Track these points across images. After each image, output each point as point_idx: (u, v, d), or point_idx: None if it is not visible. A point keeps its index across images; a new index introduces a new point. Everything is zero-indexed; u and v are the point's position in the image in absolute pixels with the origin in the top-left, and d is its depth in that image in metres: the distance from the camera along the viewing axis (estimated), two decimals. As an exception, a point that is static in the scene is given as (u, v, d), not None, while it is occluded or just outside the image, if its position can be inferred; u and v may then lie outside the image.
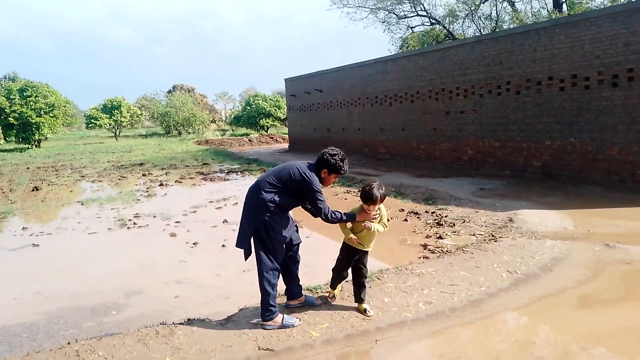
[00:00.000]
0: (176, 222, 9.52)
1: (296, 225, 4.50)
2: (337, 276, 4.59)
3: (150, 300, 5.52)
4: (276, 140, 32.85)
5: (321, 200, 4.19)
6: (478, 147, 13.83)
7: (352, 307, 4.53)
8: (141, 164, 21.78)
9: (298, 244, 4.47)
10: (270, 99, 43.92)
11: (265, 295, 4.11)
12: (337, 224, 4.33)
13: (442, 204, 9.81)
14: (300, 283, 4.59)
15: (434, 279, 5.21)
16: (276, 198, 4.05)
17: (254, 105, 43.65)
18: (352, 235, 4.33)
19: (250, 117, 44.15)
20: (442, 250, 6.72)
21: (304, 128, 24.80)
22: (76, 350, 3.75)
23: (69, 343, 3.97)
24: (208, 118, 46.56)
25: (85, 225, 9.54)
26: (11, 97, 32.28)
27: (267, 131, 43.06)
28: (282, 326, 4.15)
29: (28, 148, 34.27)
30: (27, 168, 21.98)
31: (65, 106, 36.66)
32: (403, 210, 9.64)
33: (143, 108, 54.63)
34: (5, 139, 35.68)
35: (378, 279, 5.19)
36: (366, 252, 4.53)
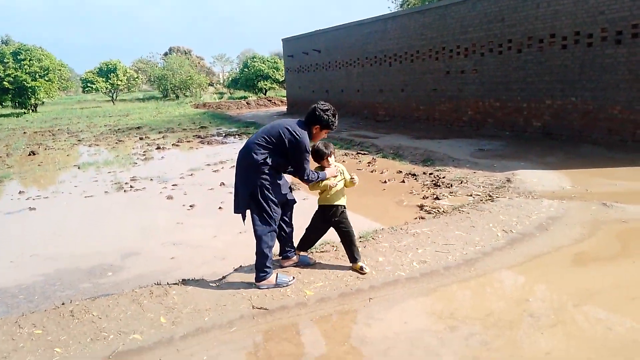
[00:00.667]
0: (173, 185, 9.48)
1: (290, 187, 4.43)
2: (306, 236, 4.62)
3: (146, 262, 5.54)
4: (274, 102, 32.52)
5: (307, 161, 4.13)
6: (478, 107, 13.66)
7: (347, 266, 4.52)
8: (138, 127, 21.63)
9: (292, 205, 4.42)
10: (268, 61, 43.27)
11: (261, 258, 4.08)
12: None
13: (440, 165, 9.75)
14: (294, 244, 4.57)
15: (429, 238, 5.19)
16: (268, 159, 3.96)
17: (252, 68, 43.03)
18: (327, 182, 4.29)
19: (248, 79, 43.59)
20: (438, 210, 6.70)
21: (302, 90, 24.48)
22: (70, 310, 3.76)
23: (63, 303, 3.97)
24: (205, 81, 46.01)
25: (82, 189, 9.52)
26: (5, 60, 31.78)
27: (265, 94, 42.58)
28: (276, 285, 4.15)
29: (24, 113, 34.01)
30: (24, 133, 21.85)
31: (60, 70, 36.21)
32: (401, 172, 9.58)
33: (140, 71, 53.90)
34: (1, 104, 35.29)
35: (373, 238, 5.18)
36: (339, 209, 4.41)
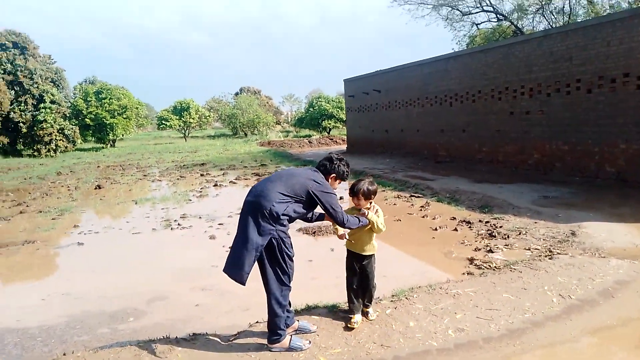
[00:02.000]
0: (219, 224, 9.41)
1: None
2: (349, 292, 4.30)
3: (170, 308, 5.34)
4: (335, 141, 32.56)
5: (338, 211, 3.81)
6: (545, 150, 12.77)
7: (374, 328, 4.07)
8: (202, 164, 22.21)
9: None
10: (332, 100, 43.72)
11: (274, 317, 3.74)
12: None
13: (499, 212, 9.04)
14: (292, 308, 4.17)
15: (471, 301, 4.62)
16: (289, 210, 3.67)
17: (317, 107, 43.65)
18: (341, 231, 4.17)
19: (313, 118, 44.19)
20: (489, 266, 6.07)
21: (363, 129, 24.30)
22: (69, 364, 3.57)
23: (65, 354, 3.81)
24: (272, 120, 47.15)
25: (132, 225, 9.66)
26: (88, 99, 34.23)
27: (329, 132, 42.90)
28: (289, 349, 3.78)
29: (103, 147, 36.24)
30: (98, 167, 23.07)
31: (137, 108, 38.45)
32: (454, 218, 8.96)
33: (212, 110, 56.30)
34: (84, 139, 37.87)
35: (407, 298, 4.69)
36: (368, 258, 4.25)
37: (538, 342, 3.88)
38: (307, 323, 4.17)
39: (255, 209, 3.64)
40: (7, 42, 30.81)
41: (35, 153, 29.60)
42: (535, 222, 8.02)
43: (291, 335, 3.89)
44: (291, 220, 3.77)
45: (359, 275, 4.24)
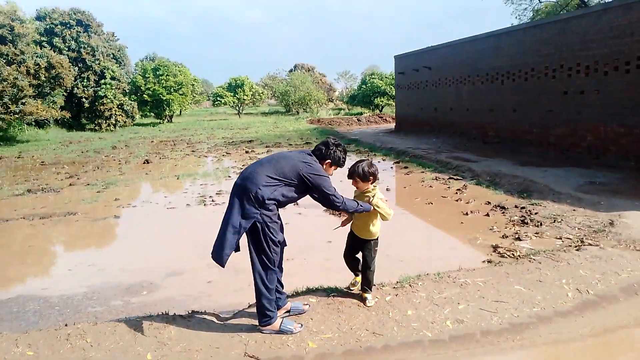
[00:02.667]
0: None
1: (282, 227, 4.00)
2: (346, 261, 4.42)
3: (184, 283, 5.49)
4: (385, 119, 32.01)
5: (335, 195, 3.72)
6: (599, 133, 11.97)
7: (370, 315, 4.00)
8: (250, 141, 22.52)
9: (283, 248, 4.00)
10: (386, 77, 42.90)
11: (262, 299, 3.73)
12: None
13: (538, 198, 8.59)
14: (288, 290, 4.15)
15: (478, 291, 4.43)
16: (276, 194, 3.61)
17: (370, 84, 43.05)
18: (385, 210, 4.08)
19: (365, 95, 43.66)
20: (512, 254, 5.80)
21: (411, 107, 23.73)
22: (68, 333, 3.74)
23: (66, 324, 4.00)
24: (323, 97, 46.94)
25: (169, 200, 9.97)
26: (146, 75, 35.39)
27: (381, 110, 42.27)
28: (280, 331, 3.77)
29: (160, 123, 37.48)
30: (152, 142, 23.90)
31: (193, 84, 39.36)
32: (489, 203, 8.61)
33: (266, 87, 56.79)
34: (142, 115, 39.29)
35: (410, 285, 4.55)
36: (368, 243, 4.19)
37: (540, 338, 3.67)
38: (299, 303, 4.16)
39: (241, 192, 3.62)
40: (71, 21, 32.21)
41: (96, 127, 31.06)
42: (574, 210, 7.57)
43: (282, 318, 3.88)
44: (280, 204, 3.72)
45: (363, 258, 4.26)
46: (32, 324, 4.49)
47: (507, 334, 3.73)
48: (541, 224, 7.04)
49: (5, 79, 19.76)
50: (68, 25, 32.07)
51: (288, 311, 4.05)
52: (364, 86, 44.49)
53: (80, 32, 32.43)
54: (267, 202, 3.56)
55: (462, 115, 18.89)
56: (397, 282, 4.60)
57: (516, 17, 32.97)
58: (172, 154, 18.48)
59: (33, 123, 26.77)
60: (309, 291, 4.56)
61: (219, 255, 3.61)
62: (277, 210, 3.70)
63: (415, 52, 22.85)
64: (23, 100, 21.20)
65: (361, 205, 3.93)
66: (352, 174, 4.04)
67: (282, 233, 3.85)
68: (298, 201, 4.01)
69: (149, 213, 8.99)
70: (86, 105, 31.18)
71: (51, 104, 24.52)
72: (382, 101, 42.42)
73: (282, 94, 47.36)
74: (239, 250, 3.75)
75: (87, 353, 3.53)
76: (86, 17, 33.51)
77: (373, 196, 4.03)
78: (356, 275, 4.43)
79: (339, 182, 4.70)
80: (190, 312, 4.26)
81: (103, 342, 3.66)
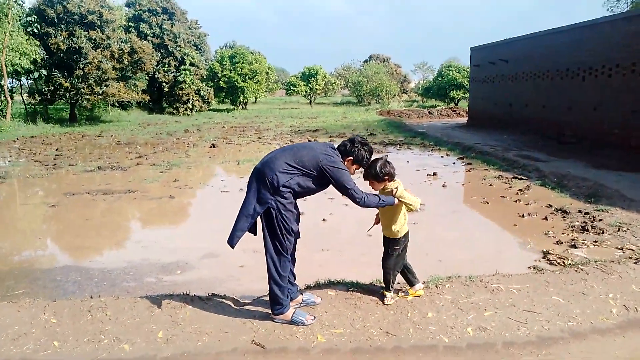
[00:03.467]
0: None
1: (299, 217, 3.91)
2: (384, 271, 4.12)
3: (217, 266, 5.58)
4: (458, 113, 30.88)
5: (354, 189, 3.58)
6: (689, 136, 10.81)
7: (387, 314, 3.85)
8: (315, 130, 22.61)
9: (296, 239, 3.91)
10: (463, 70, 41.41)
11: (274, 287, 3.69)
12: None
13: (606, 204, 7.90)
14: (301, 283, 4.07)
15: (510, 299, 4.13)
16: (292, 182, 3.54)
17: (446, 76, 41.79)
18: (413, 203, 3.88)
19: (441, 88, 42.47)
20: (563, 262, 5.37)
21: (485, 102, 22.72)
22: (90, 306, 3.91)
23: (91, 297, 4.17)
24: (395, 88, 46.13)
25: (225, 184, 10.21)
26: (223, 62, 36.54)
27: (457, 104, 40.91)
28: (291, 322, 3.72)
29: (234, 109, 38.63)
30: (223, 127, 24.66)
31: (267, 73, 40.12)
32: (550, 206, 8.04)
33: (340, 77, 56.73)
34: (219, 101, 40.66)
35: (436, 287, 4.32)
36: (389, 240, 3.98)
37: (568, 356, 3.35)
38: (312, 295, 4.08)
39: (259, 177, 3.58)
40: (157, 8, 33.87)
41: (175, 111, 32.57)
42: (645, 219, 6.89)
43: (295, 309, 3.82)
44: (297, 194, 3.62)
45: (384, 254, 4.09)
46: (69, 293, 4.75)
47: (532, 347, 3.44)
48: (603, 232, 6.46)
49: (90, 62, 21.15)
50: (154, 12, 33.74)
51: (300, 304, 3.98)
52: (439, 78, 43.28)
53: (164, 19, 34.03)
54: (281, 189, 3.50)
55: (537, 112, 17.81)
56: (424, 282, 4.38)
57: (608, 9, 30.47)
58: (239, 139, 18.93)
59: (117, 105, 28.52)
60: (330, 284, 4.46)
61: (231, 235, 3.64)
62: (294, 199, 3.62)
63: (493, 44, 21.80)
64: (106, 83, 22.60)
65: (383, 200, 3.73)
66: (366, 174, 3.85)
67: (298, 224, 3.78)
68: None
69: (202, 195, 9.27)
70: (166, 89, 32.74)
71: (133, 87, 25.95)
72: (458, 94, 41.06)
73: (355, 84, 47.10)
74: (255, 234, 3.74)
75: (104, 325, 3.66)
76: (171, 5, 35.10)
77: (396, 188, 3.82)
78: (409, 285, 4.20)
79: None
80: (210, 294, 4.30)
81: (121, 317, 3.79)
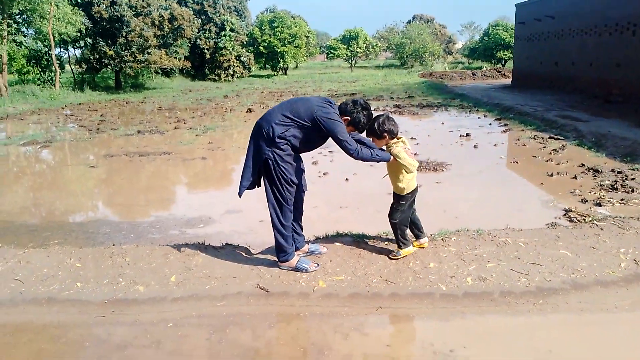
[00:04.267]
0: (329, 151, 9.60)
1: (304, 170, 4.02)
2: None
3: (238, 220, 5.81)
4: (504, 74, 29.79)
5: (347, 140, 3.63)
6: None
7: (389, 263, 3.96)
8: (353, 94, 22.43)
9: (304, 193, 4.03)
10: (511, 29, 39.65)
11: (278, 235, 3.85)
12: None
13: (642, 162, 7.61)
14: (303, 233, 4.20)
15: (516, 252, 4.13)
16: (287, 134, 3.62)
17: (492, 36, 40.24)
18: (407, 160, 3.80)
19: (487, 48, 41.05)
20: (584, 220, 5.26)
21: (530, 61, 21.81)
22: (112, 252, 4.22)
23: (113, 245, 4.49)
24: (438, 49, 44.78)
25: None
26: (263, 28, 36.46)
27: (504, 65, 39.43)
28: (295, 269, 3.90)
29: (274, 75, 38.70)
30: (262, 92, 24.84)
31: (307, 37, 39.78)
32: (583, 165, 7.81)
33: (382, 39, 55.52)
34: (260, 66, 40.82)
35: (442, 239, 4.37)
36: (395, 196, 3.99)
37: (565, 305, 3.37)
38: (317, 245, 4.23)
39: (258, 130, 3.71)
40: (196, -26, 33.97)
41: (216, 77, 33.00)
42: (680, 178, 6.61)
43: (300, 256, 3.99)
44: (295, 148, 3.70)
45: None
46: (99, 244, 5.09)
47: (529, 296, 3.47)
48: (633, 191, 6.26)
49: (133, 29, 21.64)
50: (193, -21, 33.88)
51: (306, 253, 4.14)
52: (486, 38, 41.75)
53: (203, -15, 34.13)
54: (277, 140, 3.60)
55: (584, 71, 16.99)
56: (430, 234, 4.44)
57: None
58: (276, 104, 19.03)
59: (160, 72, 29.16)
60: (338, 235, 4.60)
61: (239, 186, 3.80)
62: (291, 151, 3.70)
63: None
64: (149, 50, 23.12)
65: (378, 154, 3.73)
66: (367, 130, 3.83)
67: (301, 177, 3.89)
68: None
69: (232, 156, 9.53)
70: (207, 56, 33.13)
71: (174, 54, 26.43)
72: (506, 55, 39.54)
73: (397, 46, 46.07)
74: (260, 186, 3.89)
75: (123, 270, 3.96)
76: (210, -29, 35.08)
77: (395, 143, 3.83)
78: (414, 238, 4.23)
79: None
80: (224, 244, 4.53)
81: (138, 262, 4.08)
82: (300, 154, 3.89)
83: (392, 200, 4.02)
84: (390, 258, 4.05)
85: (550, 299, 3.45)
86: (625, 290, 3.54)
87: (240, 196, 3.84)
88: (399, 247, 4.07)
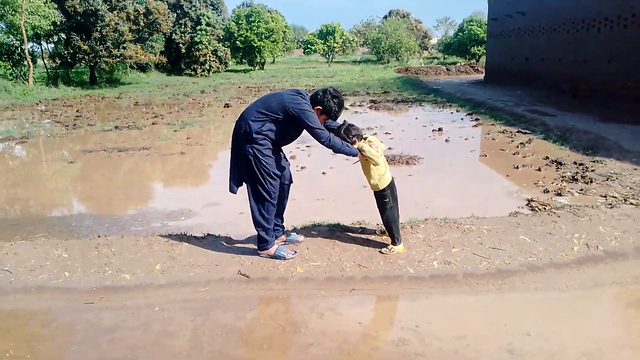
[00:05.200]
0: (307, 146, 9.84)
1: (288, 163, 4.27)
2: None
3: (218, 212, 6.00)
4: (477, 70, 30.45)
5: (319, 128, 3.86)
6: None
7: (361, 249, 4.23)
8: (330, 88, 22.66)
9: (289, 184, 4.28)
10: (485, 24, 40.41)
11: (258, 227, 4.09)
12: None
13: (601, 155, 8.05)
14: (284, 223, 4.48)
15: (479, 238, 4.46)
16: (264, 129, 3.86)
17: (467, 31, 40.93)
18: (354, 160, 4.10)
19: (462, 44, 41.75)
20: (544, 209, 5.63)
21: (502, 57, 22.40)
22: (97, 243, 4.40)
23: (99, 236, 4.67)
24: (414, 45, 45.35)
25: (234, 141, 10.59)
26: (239, 22, 36.45)
27: (478, 60, 40.18)
28: (274, 256, 4.14)
29: (251, 70, 38.69)
30: (239, 87, 24.88)
31: (284, 32, 39.83)
32: (547, 157, 8.22)
33: (359, 34, 55.89)
34: (239, 61, 40.70)
35: (411, 227, 4.67)
36: (375, 193, 4.19)
37: (521, 286, 3.69)
38: (296, 235, 4.49)
39: (237, 129, 3.96)
40: (171, -32, 33.69)
41: (192, 72, 32.84)
42: (635, 169, 7.05)
43: (278, 245, 4.23)
44: (272, 141, 3.93)
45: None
46: (82, 236, 5.23)
47: (489, 278, 3.79)
48: (592, 181, 6.67)
49: (107, 24, 21.45)
50: (168, -27, 33.57)
51: (285, 242, 4.39)
52: (460, 34, 42.43)
53: (179, -21, 33.89)
54: (255, 136, 3.83)
55: (553, 67, 17.57)
56: (401, 223, 4.72)
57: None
58: (253, 99, 19.15)
59: (135, 67, 28.90)
60: (315, 226, 4.85)
61: (229, 184, 4.11)
62: (271, 145, 3.94)
63: (510, -4, 21.30)
64: (124, 45, 22.93)
65: (347, 146, 3.92)
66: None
67: (282, 169, 4.11)
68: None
69: (210, 151, 9.70)
70: (183, 50, 32.93)
71: (150, 49, 26.25)
72: (479, 50, 40.29)
73: (374, 41, 46.49)
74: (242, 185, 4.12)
75: (109, 259, 4.15)
76: (185, -35, 34.84)
77: (363, 140, 4.02)
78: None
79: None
80: (205, 234, 4.74)
81: (124, 252, 4.27)
82: (281, 147, 4.12)
83: (371, 196, 4.22)
84: (381, 252, 4.18)
85: (508, 280, 3.77)
86: (576, 271, 3.88)
87: (233, 192, 4.11)
88: (393, 242, 4.22)
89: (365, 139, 4.09)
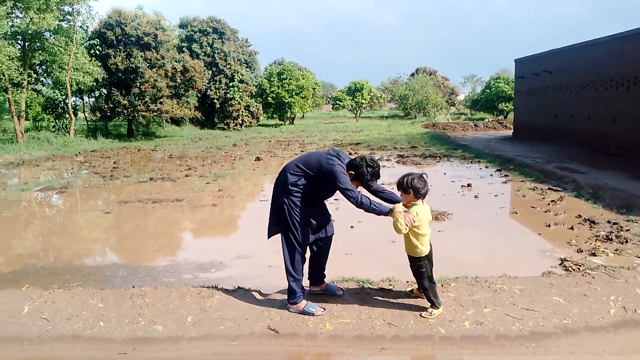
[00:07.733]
0: (335, 199, 9.92)
1: (331, 218, 4.39)
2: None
3: (248, 265, 6.08)
4: (505, 126, 30.47)
5: (350, 184, 3.97)
6: None
7: (392, 307, 4.21)
8: (357, 143, 23.03)
9: (330, 236, 4.38)
10: (512, 82, 40.78)
11: (289, 278, 4.17)
12: None
13: (636, 214, 7.90)
14: (326, 272, 4.52)
15: (511, 298, 4.39)
16: (299, 182, 4.07)
17: (494, 88, 41.28)
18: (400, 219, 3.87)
19: (489, 100, 41.97)
20: (578, 269, 5.52)
21: (530, 114, 22.45)
22: (132, 294, 4.51)
23: (133, 287, 4.77)
24: (441, 101, 45.91)
25: (265, 193, 10.81)
26: (271, 79, 37.73)
27: (506, 116, 40.27)
28: (303, 312, 4.16)
29: (282, 124, 39.67)
30: (269, 141, 25.51)
31: (314, 88, 41.02)
32: (580, 216, 8.09)
33: (386, 90, 57.04)
34: (268, 116, 41.91)
35: (442, 285, 4.64)
36: (411, 259, 4.14)
37: (556, 349, 3.60)
38: (335, 286, 4.57)
39: (278, 179, 4.21)
40: (208, 28, 35.56)
41: (225, 126, 33.91)
42: (673, 229, 6.88)
43: (308, 301, 4.26)
44: (308, 195, 4.09)
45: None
46: (117, 286, 5.37)
47: (522, 340, 3.71)
48: (627, 241, 6.52)
49: (146, 80, 22.56)
50: (205, 33, 35.44)
51: (323, 290, 4.48)
52: (487, 91, 42.80)
53: (215, 38, 35.65)
54: (290, 188, 4.03)
55: (583, 124, 17.51)
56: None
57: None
58: (283, 152, 19.63)
59: (170, 121, 30.05)
60: (343, 281, 4.88)
61: (268, 231, 4.33)
62: (305, 198, 4.09)
63: (537, 55, 21.62)
64: (161, 100, 23.98)
65: (376, 206, 3.92)
66: (398, 184, 4.03)
67: (322, 220, 4.22)
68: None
69: (242, 203, 9.89)
70: (217, 105, 34.18)
71: (185, 104, 27.34)
72: (507, 107, 40.38)
73: (401, 97, 47.30)
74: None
75: (142, 310, 4.23)
76: (221, 25, 36.73)
77: (412, 205, 3.98)
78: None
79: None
80: (236, 287, 4.81)
81: (157, 304, 4.35)
82: (322, 200, 4.27)
83: (401, 252, 4.17)
84: (422, 317, 4.07)
85: (542, 343, 3.68)
86: (613, 335, 3.77)
87: (268, 238, 4.33)
88: (432, 306, 4.12)
89: (418, 204, 3.99)
